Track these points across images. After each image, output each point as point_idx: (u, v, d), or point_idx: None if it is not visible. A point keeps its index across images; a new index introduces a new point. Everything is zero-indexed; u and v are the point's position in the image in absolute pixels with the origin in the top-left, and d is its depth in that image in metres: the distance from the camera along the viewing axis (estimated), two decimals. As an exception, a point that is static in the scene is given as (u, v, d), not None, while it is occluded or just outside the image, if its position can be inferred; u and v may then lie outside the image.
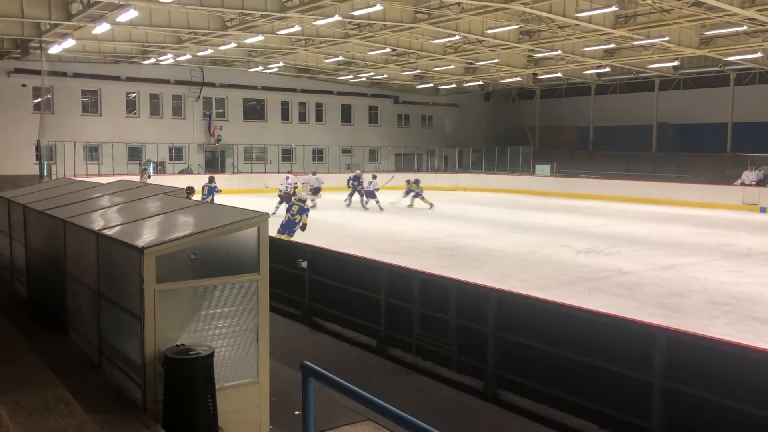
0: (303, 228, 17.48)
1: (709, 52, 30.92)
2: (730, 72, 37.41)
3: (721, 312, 11.00)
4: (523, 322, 7.66)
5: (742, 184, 29.82)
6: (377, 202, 27.21)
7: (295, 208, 17.58)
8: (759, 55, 31.26)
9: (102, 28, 25.80)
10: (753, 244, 18.84)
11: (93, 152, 36.59)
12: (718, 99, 38.85)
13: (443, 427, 3.18)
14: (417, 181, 29.34)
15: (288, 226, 17.13)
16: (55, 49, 30.51)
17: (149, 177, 28.80)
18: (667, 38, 27.78)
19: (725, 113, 38.68)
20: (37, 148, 32.95)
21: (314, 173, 29.85)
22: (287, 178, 25.65)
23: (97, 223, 7.10)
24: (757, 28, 27.00)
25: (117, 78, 37.83)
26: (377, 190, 27.44)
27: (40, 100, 34.42)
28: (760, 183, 29.95)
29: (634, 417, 6.42)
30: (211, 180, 24.62)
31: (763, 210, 28.11)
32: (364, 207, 27.42)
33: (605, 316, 7.22)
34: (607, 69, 38.27)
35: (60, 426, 5.00)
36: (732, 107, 38.46)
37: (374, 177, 28.52)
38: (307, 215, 18.06)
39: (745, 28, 27.03)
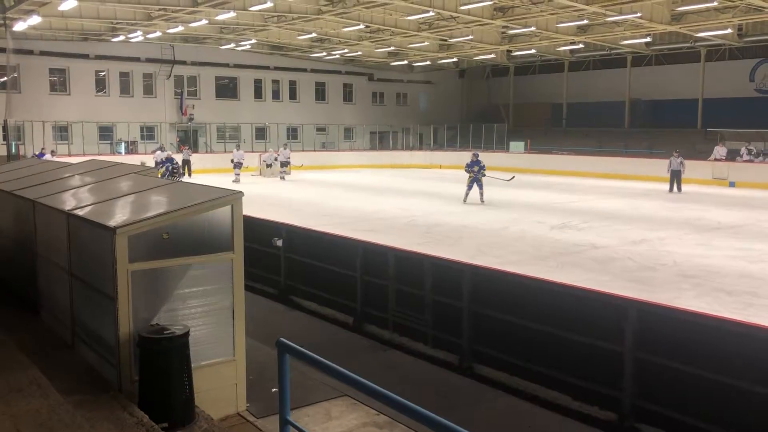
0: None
1: (680, 28, 31.12)
2: (701, 48, 37.73)
3: (691, 284, 11.22)
4: (498, 296, 7.75)
5: (714, 159, 30.25)
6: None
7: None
8: (729, 31, 31.57)
9: (68, 4, 25.18)
10: (722, 218, 19.18)
11: (62, 132, 35.91)
12: (688, 75, 39.22)
13: (419, 402, 3.22)
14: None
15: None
16: (20, 26, 29.75)
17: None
18: (639, 14, 27.90)
19: (696, 89, 39.09)
20: (4, 128, 32.24)
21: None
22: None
23: (68, 203, 7.00)
24: (727, 4, 27.22)
25: (85, 56, 37.01)
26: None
27: (5, 78, 33.60)
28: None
29: (606, 387, 6.56)
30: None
31: (732, 184, 28.59)
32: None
33: (578, 290, 7.32)
34: (581, 45, 38.37)
35: (33, 407, 4.96)
36: (702, 83, 38.86)
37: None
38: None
39: (715, 3, 27.19)
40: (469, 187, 22.19)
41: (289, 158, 33.45)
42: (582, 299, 7.04)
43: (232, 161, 31.12)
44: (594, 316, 6.79)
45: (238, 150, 32.83)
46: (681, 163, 26.32)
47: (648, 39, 35.74)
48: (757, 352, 5.65)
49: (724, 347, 5.85)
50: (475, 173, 22.09)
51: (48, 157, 28.78)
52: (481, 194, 22.04)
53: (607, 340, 6.58)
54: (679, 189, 26.02)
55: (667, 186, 26.57)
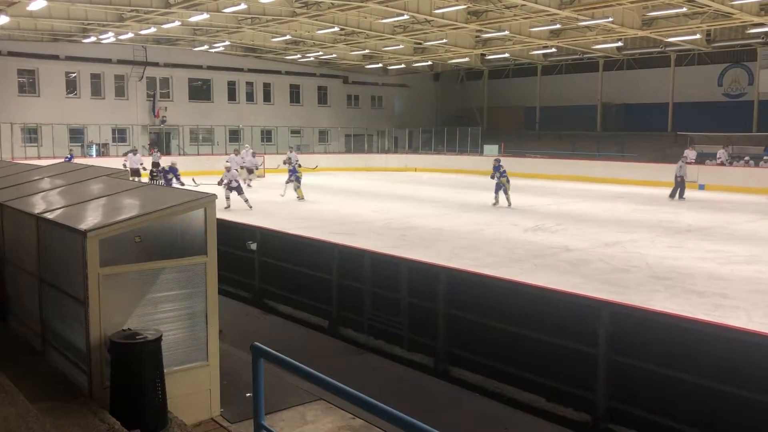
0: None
1: (650, 33, 31.62)
2: (671, 53, 38.39)
3: (663, 286, 11.37)
4: (473, 299, 7.77)
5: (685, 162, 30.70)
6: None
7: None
8: (697, 36, 32.15)
9: (37, 4, 24.79)
10: (692, 220, 19.49)
11: (32, 134, 35.32)
12: (659, 79, 39.89)
13: (395, 405, 3.20)
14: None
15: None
16: (-13, 26, 29.23)
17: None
18: (610, 19, 28.28)
19: (666, 93, 39.75)
20: (-29, 131, 31.66)
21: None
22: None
23: (38, 206, 6.87)
24: (696, 10, 27.71)
25: (56, 57, 36.44)
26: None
27: (-28, 79, 32.99)
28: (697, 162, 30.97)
29: (580, 389, 6.60)
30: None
31: (701, 187, 29.06)
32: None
33: (552, 292, 7.37)
34: (553, 50, 38.77)
35: (0, 415, 4.85)
36: (672, 87, 39.53)
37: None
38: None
39: (684, 9, 27.72)
40: (496, 192, 22.46)
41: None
42: (556, 301, 7.09)
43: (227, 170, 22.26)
44: (568, 318, 6.84)
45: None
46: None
47: (619, 43, 36.25)
48: (727, 352, 5.74)
49: (696, 348, 5.94)
50: (497, 179, 22.41)
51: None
52: (507, 198, 22.18)
53: (581, 342, 6.63)
54: (682, 195, 25.18)
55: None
